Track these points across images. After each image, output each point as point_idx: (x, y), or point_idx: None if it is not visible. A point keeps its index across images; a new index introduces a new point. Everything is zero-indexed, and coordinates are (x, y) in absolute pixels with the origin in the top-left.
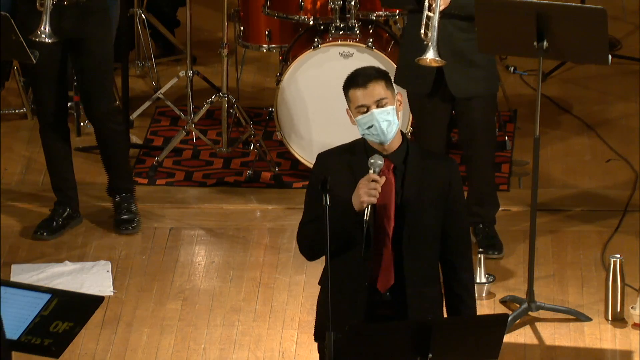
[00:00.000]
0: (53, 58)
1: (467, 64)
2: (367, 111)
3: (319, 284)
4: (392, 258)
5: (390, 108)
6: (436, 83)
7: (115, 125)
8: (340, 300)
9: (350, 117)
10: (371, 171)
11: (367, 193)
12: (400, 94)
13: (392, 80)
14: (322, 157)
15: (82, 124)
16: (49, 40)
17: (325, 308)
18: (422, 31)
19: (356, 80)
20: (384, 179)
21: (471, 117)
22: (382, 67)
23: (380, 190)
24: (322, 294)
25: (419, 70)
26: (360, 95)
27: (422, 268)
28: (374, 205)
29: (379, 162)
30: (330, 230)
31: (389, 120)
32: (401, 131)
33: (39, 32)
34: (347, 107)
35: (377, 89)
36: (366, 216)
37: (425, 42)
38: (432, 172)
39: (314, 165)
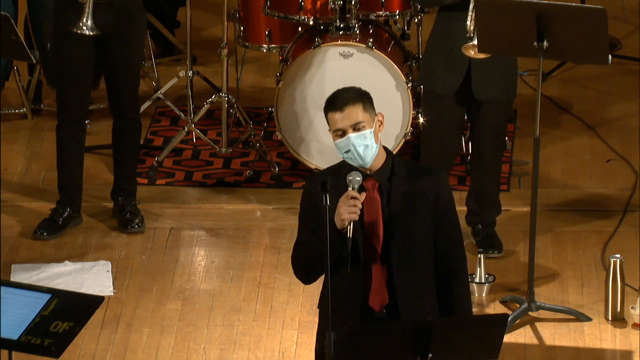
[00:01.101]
0: (85, 55)
1: (494, 67)
2: (344, 135)
3: (317, 307)
4: (385, 276)
5: (367, 132)
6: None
7: (136, 117)
8: (335, 319)
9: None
10: (350, 188)
11: (347, 210)
12: (382, 114)
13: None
14: (310, 180)
15: None
16: (91, 33)
17: (325, 317)
18: (468, 23)
19: (334, 103)
20: (363, 195)
21: (485, 120)
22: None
23: (360, 206)
24: (320, 317)
25: (449, 70)
26: (337, 118)
27: (415, 283)
28: (362, 225)
29: (357, 178)
30: (317, 253)
31: (366, 144)
32: (385, 148)
33: (80, 24)
34: (329, 128)
35: (354, 113)
36: (349, 234)
37: (468, 35)
38: (419, 186)
39: (303, 189)
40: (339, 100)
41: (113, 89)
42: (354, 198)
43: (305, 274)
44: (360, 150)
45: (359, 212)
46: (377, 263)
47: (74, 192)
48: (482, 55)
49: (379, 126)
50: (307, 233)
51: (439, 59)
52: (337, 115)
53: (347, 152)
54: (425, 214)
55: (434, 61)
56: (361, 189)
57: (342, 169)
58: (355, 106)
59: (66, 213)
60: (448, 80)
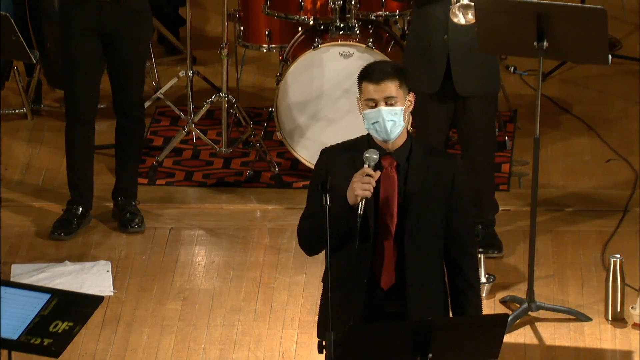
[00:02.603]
0: (93, 52)
1: (474, 61)
2: (376, 106)
3: (322, 281)
4: (395, 255)
5: (398, 109)
6: (442, 81)
7: (140, 116)
8: (340, 296)
9: (360, 107)
10: (366, 165)
11: (360, 187)
12: (413, 94)
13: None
14: (326, 152)
15: None
16: None
17: (325, 306)
18: None
19: (371, 74)
20: (378, 173)
21: (471, 116)
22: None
23: (374, 184)
24: (324, 291)
25: (428, 68)
26: (372, 89)
27: (424, 265)
28: (376, 202)
29: (374, 156)
30: (329, 226)
31: (395, 120)
32: (406, 129)
33: None
34: (358, 97)
35: (390, 87)
36: (360, 210)
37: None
38: (436, 169)
39: (318, 160)
40: (376, 73)
41: (117, 87)
42: (369, 175)
43: (309, 247)
44: (389, 125)
45: (372, 190)
46: (389, 242)
47: (86, 192)
48: (471, 19)
49: (409, 106)
50: (315, 206)
51: (418, 58)
52: (371, 87)
53: (374, 123)
54: (440, 196)
55: (413, 60)
56: (377, 167)
57: (360, 143)
58: (392, 81)
59: (79, 212)
60: (429, 78)
